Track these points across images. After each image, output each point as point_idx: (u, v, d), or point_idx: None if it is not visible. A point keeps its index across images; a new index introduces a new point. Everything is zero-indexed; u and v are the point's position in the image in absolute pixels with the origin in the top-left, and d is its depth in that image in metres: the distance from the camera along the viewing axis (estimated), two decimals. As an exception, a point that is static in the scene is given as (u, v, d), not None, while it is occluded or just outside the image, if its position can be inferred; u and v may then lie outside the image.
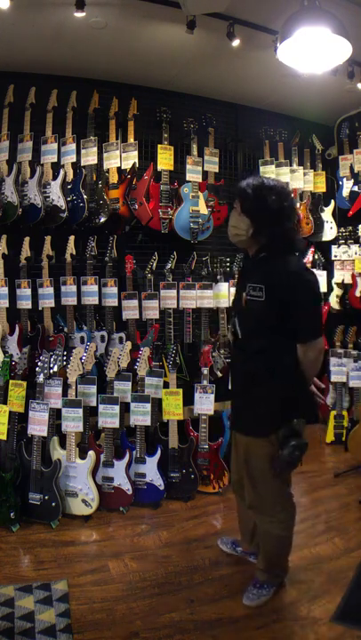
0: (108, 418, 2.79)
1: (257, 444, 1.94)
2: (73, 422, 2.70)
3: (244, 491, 2.09)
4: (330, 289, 4.15)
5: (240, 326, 1.96)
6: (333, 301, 4.11)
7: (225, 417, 3.07)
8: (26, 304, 3.07)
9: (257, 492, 2.00)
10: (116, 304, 3.26)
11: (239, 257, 3.65)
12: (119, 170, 3.29)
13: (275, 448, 1.88)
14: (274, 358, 1.88)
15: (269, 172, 3.88)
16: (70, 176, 3.17)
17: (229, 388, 2.17)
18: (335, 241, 4.17)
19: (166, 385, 2.98)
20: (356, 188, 3.88)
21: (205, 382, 3.02)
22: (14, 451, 2.63)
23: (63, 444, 2.72)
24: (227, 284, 3.54)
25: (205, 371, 3.03)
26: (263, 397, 1.91)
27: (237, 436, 2.07)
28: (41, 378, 2.71)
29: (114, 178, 3.26)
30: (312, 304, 1.88)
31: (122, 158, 3.28)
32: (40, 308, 3.14)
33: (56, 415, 2.73)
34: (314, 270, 4.02)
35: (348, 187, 3.97)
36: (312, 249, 4.07)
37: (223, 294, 3.51)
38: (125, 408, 2.91)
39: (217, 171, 3.65)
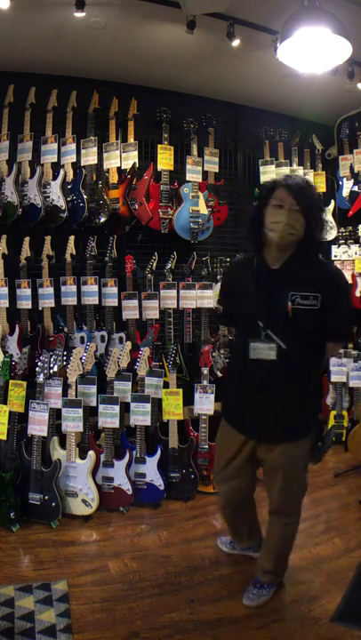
0: (108, 418, 2.79)
1: (299, 446, 1.90)
2: (73, 422, 2.69)
3: (241, 496, 2.11)
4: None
5: (283, 337, 1.79)
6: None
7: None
8: (26, 304, 3.07)
9: (291, 494, 1.96)
10: (116, 304, 3.26)
11: (239, 257, 3.64)
12: (119, 170, 3.29)
13: (310, 444, 1.92)
14: (317, 361, 1.92)
15: (269, 171, 3.88)
16: (70, 176, 3.17)
17: (237, 397, 2.02)
18: (335, 241, 4.17)
19: (166, 385, 2.98)
20: (356, 188, 3.88)
21: (205, 382, 3.02)
22: (14, 451, 2.63)
23: (63, 444, 2.72)
24: (227, 284, 3.53)
25: (205, 371, 3.03)
26: (309, 398, 1.91)
27: (265, 446, 1.93)
28: (41, 378, 2.71)
29: (114, 178, 3.26)
30: (350, 303, 1.95)
31: (122, 158, 3.28)
32: (40, 308, 3.14)
33: (56, 415, 2.73)
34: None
35: (348, 187, 3.97)
36: (312, 249, 4.07)
37: (223, 294, 3.51)
38: (125, 408, 2.91)
39: (217, 171, 3.65)
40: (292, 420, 1.89)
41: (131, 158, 3.28)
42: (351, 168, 3.95)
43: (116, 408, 2.79)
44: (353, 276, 3.98)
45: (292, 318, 1.76)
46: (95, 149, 3.19)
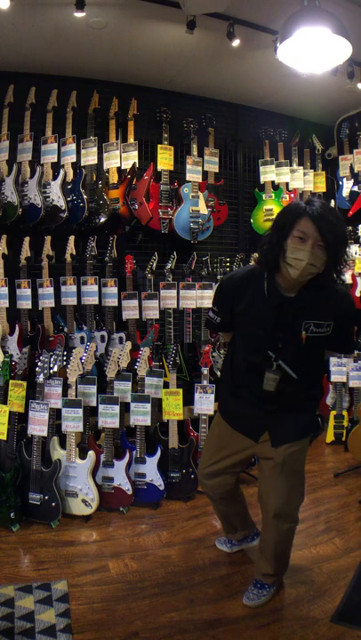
0: (108, 418, 2.79)
1: (299, 445, 1.91)
2: (73, 422, 2.70)
3: (229, 489, 2.14)
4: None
5: (293, 366, 1.77)
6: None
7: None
8: (26, 304, 3.07)
9: (292, 494, 1.94)
10: (116, 304, 3.27)
11: (239, 257, 3.65)
12: (119, 170, 3.29)
13: (308, 439, 1.98)
14: (321, 367, 1.99)
15: (269, 171, 3.88)
16: (70, 176, 3.17)
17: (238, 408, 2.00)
18: (335, 241, 4.16)
19: (166, 385, 2.98)
20: (356, 188, 3.88)
21: (205, 382, 3.02)
22: (14, 451, 2.63)
23: (63, 444, 2.72)
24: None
25: (205, 371, 3.03)
26: (312, 399, 1.97)
27: (268, 447, 1.92)
28: (41, 378, 2.71)
29: (114, 178, 3.26)
30: (358, 322, 1.94)
31: (122, 158, 3.29)
32: (40, 308, 3.14)
33: (56, 415, 2.73)
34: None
35: (348, 187, 3.97)
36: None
37: (223, 294, 3.51)
38: (125, 408, 2.91)
39: (217, 171, 3.65)
40: (297, 421, 1.91)
41: (131, 158, 3.28)
42: (351, 168, 3.95)
43: (116, 408, 2.79)
44: (353, 276, 3.98)
45: (305, 346, 1.75)
46: (95, 149, 3.19)
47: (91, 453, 2.70)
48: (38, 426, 2.64)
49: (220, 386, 2.14)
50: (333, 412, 3.74)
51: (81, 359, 2.77)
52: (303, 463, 1.97)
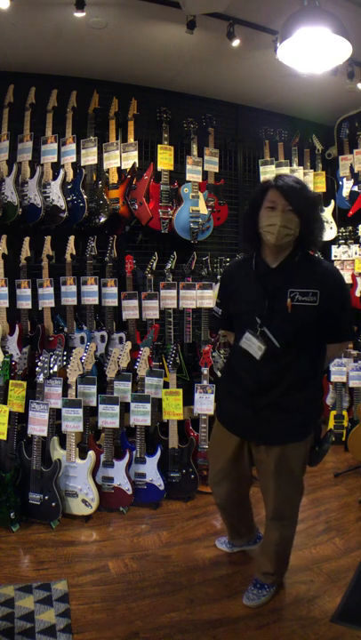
0: (108, 418, 2.79)
1: (296, 448, 1.89)
2: (73, 422, 2.70)
3: (238, 497, 2.13)
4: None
5: (279, 335, 1.78)
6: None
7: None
8: (26, 304, 3.07)
9: (288, 496, 1.95)
10: (116, 304, 3.26)
11: (239, 257, 3.64)
12: (119, 170, 3.29)
13: (308, 446, 1.93)
14: (316, 360, 1.90)
15: (269, 171, 3.88)
16: (70, 176, 3.17)
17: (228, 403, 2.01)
18: (335, 241, 4.17)
19: (166, 385, 2.98)
20: (356, 188, 3.88)
21: (205, 382, 3.02)
22: (14, 451, 2.63)
23: (63, 444, 2.72)
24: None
25: (205, 371, 3.03)
26: (309, 400, 1.89)
27: (262, 448, 1.92)
28: (41, 378, 2.71)
29: (114, 178, 3.26)
30: (350, 302, 1.92)
31: (122, 158, 3.29)
32: (40, 308, 3.14)
33: (56, 415, 2.73)
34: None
35: (348, 187, 3.97)
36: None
37: (223, 294, 3.51)
38: (125, 408, 2.91)
39: (217, 171, 3.65)
40: (291, 422, 1.87)
41: (131, 158, 3.28)
42: (351, 168, 3.95)
43: (116, 408, 2.79)
44: (353, 276, 3.98)
45: (292, 315, 1.76)
46: (95, 149, 3.19)
47: (91, 453, 2.70)
48: (38, 426, 2.64)
49: (219, 385, 2.16)
50: (333, 412, 3.74)
51: (81, 359, 2.77)
52: (300, 466, 1.93)
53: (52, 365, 2.72)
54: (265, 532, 2.07)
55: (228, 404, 2.02)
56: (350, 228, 4.06)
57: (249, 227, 1.85)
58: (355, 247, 4.02)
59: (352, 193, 3.90)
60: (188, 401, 3.02)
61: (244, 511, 2.24)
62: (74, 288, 3.15)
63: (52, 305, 3.12)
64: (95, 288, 3.19)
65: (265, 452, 1.91)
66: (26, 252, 3.05)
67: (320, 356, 1.91)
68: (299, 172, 3.99)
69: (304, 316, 1.77)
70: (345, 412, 3.75)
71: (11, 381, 2.70)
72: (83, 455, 2.73)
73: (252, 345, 1.81)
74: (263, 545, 2.10)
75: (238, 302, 1.93)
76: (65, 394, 2.74)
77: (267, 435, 1.89)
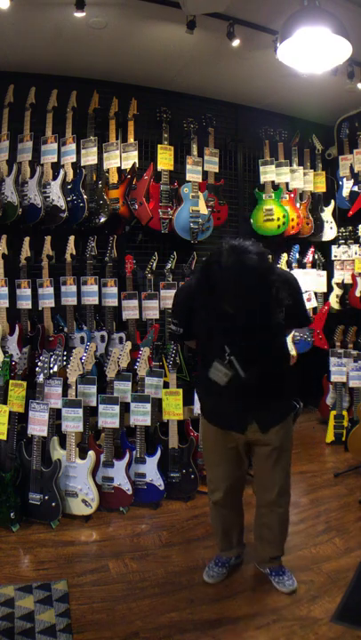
0: (108, 418, 2.79)
1: (287, 423, 2.05)
2: (73, 422, 2.70)
3: (238, 490, 2.17)
4: (330, 289, 4.15)
5: (253, 363, 1.86)
6: (333, 301, 4.11)
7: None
8: (26, 304, 3.07)
9: (286, 472, 2.08)
10: (116, 304, 3.27)
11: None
12: (119, 170, 3.29)
13: (292, 418, 2.12)
14: (284, 346, 2.08)
15: (269, 171, 3.88)
16: (70, 176, 3.17)
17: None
18: (335, 241, 4.17)
19: (166, 385, 2.98)
20: (356, 188, 3.89)
21: (205, 382, 3.01)
22: (14, 451, 2.63)
23: (63, 444, 2.72)
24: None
25: (205, 371, 3.03)
26: (288, 380, 2.09)
27: (257, 435, 2.00)
28: (41, 378, 2.71)
29: (114, 178, 3.26)
30: (302, 297, 2.03)
31: (122, 158, 3.29)
32: (40, 308, 3.14)
33: (56, 415, 2.73)
34: (313, 270, 4.08)
35: (348, 187, 3.97)
36: (312, 249, 4.08)
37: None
38: (125, 408, 2.90)
39: (217, 171, 3.65)
40: (276, 406, 2.01)
41: (131, 158, 3.28)
42: (351, 168, 3.96)
43: (116, 408, 2.79)
44: (353, 276, 3.98)
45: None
46: (95, 149, 3.19)
47: (91, 453, 2.70)
48: (38, 426, 2.64)
49: (199, 386, 2.24)
50: (333, 412, 3.74)
51: (81, 359, 2.77)
52: (290, 440, 2.10)
53: (52, 365, 2.72)
54: (264, 521, 2.14)
55: (214, 402, 2.08)
56: (350, 228, 4.07)
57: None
58: (355, 247, 4.02)
59: (352, 193, 3.90)
60: (188, 401, 3.02)
61: (239, 510, 2.25)
62: (74, 288, 3.15)
63: (52, 305, 3.12)
64: (95, 288, 3.19)
65: (260, 437, 2.00)
66: (26, 252, 3.05)
67: (285, 341, 2.10)
68: (299, 172, 3.99)
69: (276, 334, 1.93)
70: (345, 412, 3.75)
71: (11, 381, 2.70)
72: (83, 455, 2.73)
73: (218, 372, 1.86)
74: (265, 533, 2.16)
75: (203, 323, 1.93)
76: (65, 394, 2.74)
77: (260, 422, 1.99)
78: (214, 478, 2.16)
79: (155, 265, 3.32)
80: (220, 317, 1.77)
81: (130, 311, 3.29)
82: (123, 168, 3.30)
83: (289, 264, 3.99)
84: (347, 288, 4.04)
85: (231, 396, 1.95)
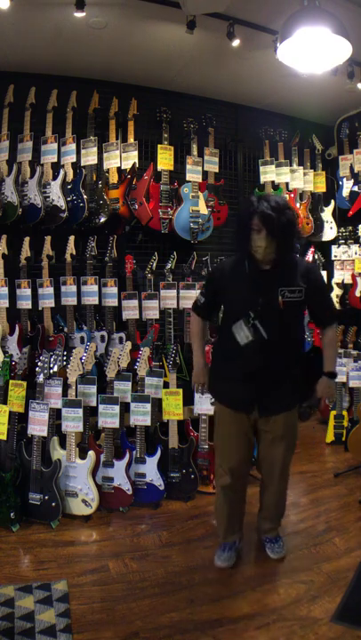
0: (108, 418, 2.79)
1: (294, 412, 2.23)
2: (73, 422, 2.70)
3: (241, 482, 2.31)
4: (330, 289, 4.15)
5: (269, 327, 2.02)
6: (333, 301, 4.12)
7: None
8: (26, 304, 3.07)
9: (289, 456, 2.28)
10: (116, 304, 3.27)
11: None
12: (119, 170, 3.29)
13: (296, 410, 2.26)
14: (301, 339, 2.31)
15: (269, 171, 3.88)
16: (70, 176, 3.17)
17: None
18: (335, 241, 4.17)
19: (166, 385, 2.98)
20: (356, 188, 3.89)
21: (205, 382, 3.01)
22: (14, 451, 2.63)
23: (63, 444, 2.72)
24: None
25: (205, 371, 3.03)
26: (297, 371, 2.20)
27: (270, 419, 2.17)
28: (41, 378, 2.71)
29: (114, 178, 3.26)
30: (328, 291, 2.27)
31: (122, 158, 3.29)
32: (40, 308, 3.14)
33: (56, 415, 2.73)
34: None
35: (348, 187, 3.97)
36: (312, 249, 4.08)
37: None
38: (125, 408, 2.90)
39: (217, 171, 3.65)
40: (289, 391, 2.18)
41: (131, 158, 3.28)
42: (351, 168, 3.96)
43: (116, 408, 2.79)
44: (353, 276, 3.98)
45: (283, 310, 2.04)
46: (95, 149, 3.19)
47: (91, 453, 2.71)
48: (38, 426, 2.64)
49: (212, 371, 2.33)
50: (333, 412, 3.74)
51: (81, 359, 2.77)
52: (297, 427, 2.27)
53: (52, 365, 2.72)
54: (267, 497, 2.36)
55: (228, 386, 2.23)
56: (350, 228, 4.07)
57: (242, 241, 2.08)
58: (355, 247, 4.02)
59: (352, 193, 3.90)
60: (188, 401, 3.02)
61: (244, 494, 2.37)
62: (74, 288, 3.15)
63: (52, 305, 3.12)
64: (95, 288, 3.19)
65: (270, 421, 2.17)
66: (26, 252, 3.05)
67: (303, 335, 2.33)
68: (299, 172, 3.99)
69: (293, 309, 2.08)
70: (345, 412, 3.75)
71: (11, 381, 2.70)
72: (83, 455, 2.73)
73: (241, 332, 2.04)
74: (266, 508, 2.39)
75: (233, 298, 2.17)
76: (65, 394, 2.74)
77: (273, 406, 2.15)
78: (223, 462, 2.28)
79: (155, 265, 3.32)
80: (250, 277, 2.07)
81: (130, 311, 3.29)
82: (123, 168, 3.30)
83: (289, 264, 3.99)
84: (347, 288, 4.04)
85: (247, 382, 2.11)
